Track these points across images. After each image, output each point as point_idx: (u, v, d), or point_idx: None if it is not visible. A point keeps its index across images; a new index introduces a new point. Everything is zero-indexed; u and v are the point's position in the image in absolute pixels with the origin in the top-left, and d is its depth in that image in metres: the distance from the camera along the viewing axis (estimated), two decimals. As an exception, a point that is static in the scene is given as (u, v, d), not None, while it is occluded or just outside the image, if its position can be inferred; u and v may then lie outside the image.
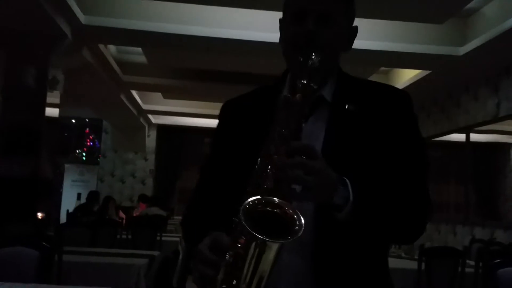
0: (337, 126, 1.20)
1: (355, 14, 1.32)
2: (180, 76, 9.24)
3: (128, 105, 10.64)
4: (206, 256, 1.02)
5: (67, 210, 8.76)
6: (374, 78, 8.99)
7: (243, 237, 0.97)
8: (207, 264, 1.01)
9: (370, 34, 6.49)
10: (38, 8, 5.45)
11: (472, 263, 4.18)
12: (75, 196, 10.10)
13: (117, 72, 8.66)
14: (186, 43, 6.61)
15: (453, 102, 8.31)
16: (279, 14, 1.35)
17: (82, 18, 6.15)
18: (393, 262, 4.50)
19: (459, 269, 4.03)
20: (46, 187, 6.72)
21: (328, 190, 1.06)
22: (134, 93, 10.49)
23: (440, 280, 4.01)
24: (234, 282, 0.96)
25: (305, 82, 1.12)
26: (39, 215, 6.37)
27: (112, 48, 8.37)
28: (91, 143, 14.85)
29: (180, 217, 5.76)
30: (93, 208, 8.39)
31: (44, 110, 6.48)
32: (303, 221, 0.95)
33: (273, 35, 6.31)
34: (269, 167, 1.03)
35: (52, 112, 7.03)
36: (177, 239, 6.26)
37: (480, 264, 3.92)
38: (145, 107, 11.59)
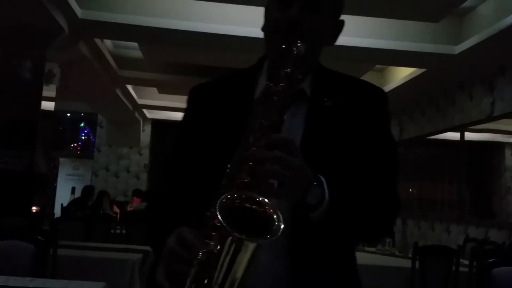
0: (316, 121, 1.17)
1: (343, 6, 1.27)
2: (176, 71, 9.23)
3: (123, 99, 10.62)
4: (177, 253, 0.96)
5: (62, 204, 8.74)
6: (369, 76, 9.02)
7: (217, 233, 0.91)
8: (178, 261, 0.96)
9: (365, 32, 6.50)
10: (35, 1, 5.43)
11: (466, 262, 4.20)
12: (70, 190, 10.06)
13: (112, 66, 8.64)
14: (182, 38, 6.60)
15: (448, 101, 8.34)
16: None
17: (79, 12, 6.13)
18: (387, 260, 4.53)
19: (453, 268, 4.05)
20: (41, 181, 6.70)
21: (302, 188, 1.03)
22: (129, 87, 10.47)
23: (434, 278, 4.03)
24: (206, 281, 0.90)
25: (289, 71, 1.07)
26: (34, 209, 6.36)
27: (108, 42, 8.35)
28: (86, 137, 14.81)
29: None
30: (87, 203, 8.38)
31: (40, 104, 6.47)
32: (282, 220, 0.90)
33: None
34: (246, 159, 0.98)
35: (47, 105, 6.99)
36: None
37: (474, 263, 3.94)
38: (140, 101, 11.57)
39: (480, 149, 7.93)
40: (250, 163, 0.97)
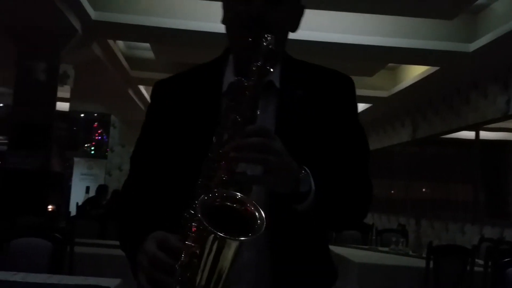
0: (288, 113, 1.15)
1: None
2: (188, 72, 9.26)
3: (136, 100, 10.69)
4: (159, 258, 0.92)
5: (77, 203, 8.84)
6: (381, 74, 8.99)
7: (198, 234, 0.88)
8: (161, 268, 0.92)
9: (378, 30, 6.47)
10: (49, 3, 5.50)
11: (481, 262, 4.17)
12: (84, 189, 10.18)
13: (125, 67, 8.70)
14: (194, 39, 6.63)
15: (462, 99, 8.28)
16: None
17: (93, 13, 6.19)
18: (400, 260, 4.52)
19: (468, 267, 4.02)
20: (56, 180, 6.77)
21: (291, 174, 1.01)
22: (141, 88, 10.54)
23: (448, 278, 4.00)
24: (190, 282, 0.88)
25: (260, 64, 1.03)
26: (50, 207, 6.43)
27: (120, 43, 8.41)
28: (99, 138, 14.93)
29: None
30: (102, 202, 8.46)
31: (54, 105, 6.55)
32: (264, 217, 0.88)
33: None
34: (223, 156, 0.94)
35: (62, 106, 7.07)
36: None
37: (489, 263, 3.90)
38: (153, 102, 11.63)
39: (495, 148, 7.85)
40: (229, 156, 0.93)
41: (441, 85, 8.22)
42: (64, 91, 7.26)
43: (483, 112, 7.62)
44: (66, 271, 3.11)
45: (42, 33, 6.23)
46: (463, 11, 6.05)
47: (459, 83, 8.06)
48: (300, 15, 1.25)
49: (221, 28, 1.28)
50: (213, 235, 0.84)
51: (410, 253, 4.93)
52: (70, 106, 7.59)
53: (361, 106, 11.12)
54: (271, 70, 1.07)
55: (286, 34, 1.22)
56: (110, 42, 7.58)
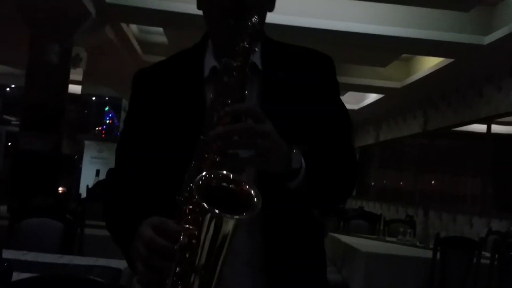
0: (272, 94, 1.15)
1: None
2: (201, 57, 9.25)
3: (148, 84, 10.71)
4: (157, 243, 0.91)
5: (87, 186, 8.91)
6: (394, 65, 8.93)
7: (194, 215, 0.88)
8: (159, 252, 0.91)
9: (392, 20, 6.43)
10: (64, -15, 5.51)
11: (488, 254, 4.17)
12: (94, 172, 10.24)
13: (138, 51, 8.71)
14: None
15: (475, 92, 8.21)
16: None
17: (106, -4, 6.20)
18: (407, 251, 4.52)
19: (474, 260, 4.02)
20: (67, 163, 6.83)
21: (282, 153, 1.01)
22: (154, 73, 10.55)
23: (454, 270, 4.01)
24: (189, 263, 0.88)
25: (246, 45, 1.03)
26: (60, 189, 6.49)
27: (133, 27, 8.42)
28: (110, 121, 15.00)
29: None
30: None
31: (67, 87, 6.59)
32: (260, 196, 0.88)
33: (295, 19, 6.25)
34: (214, 138, 0.94)
35: (73, 89, 7.12)
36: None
37: (496, 256, 3.90)
38: (164, 87, 11.65)
39: (507, 142, 7.80)
40: (220, 141, 0.94)
41: (455, 77, 8.16)
42: (76, 74, 7.30)
43: (496, 106, 7.56)
44: (76, 253, 3.16)
45: (55, 15, 6.25)
46: (479, 3, 5.98)
47: (472, 75, 7.99)
48: None
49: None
50: (210, 215, 0.84)
51: (417, 244, 4.93)
52: (82, 89, 7.65)
53: (373, 97, 11.06)
54: (256, 49, 1.07)
55: (265, 14, 1.22)
56: (123, 25, 7.59)
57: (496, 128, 7.75)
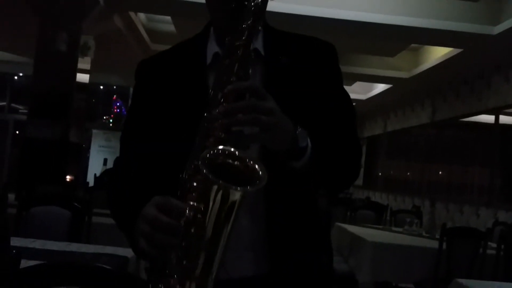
0: (275, 80, 1.15)
1: None
2: (208, 47, 9.24)
3: (156, 73, 10.71)
4: (161, 220, 0.90)
5: (95, 174, 8.96)
6: (403, 54, 8.87)
7: (199, 191, 0.88)
8: (163, 229, 0.90)
9: (401, 9, 6.38)
10: (71, -27, 5.50)
11: (494, 245, 4.16)
12: (102, 161, 10.30)
13: (146, 40, 8.71)
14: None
15: (483, 83, 8.16)
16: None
17: (114, -15, 6.19)
18: (413, 241, 4.52)
19: (480, 250, 4.02)
20: (74, 151, 6.86)
21: (287, 131, 1.01)
22: (162, 62, 10.55)
23: (460, 260, 4.01)
24: (195, 237, 0.88)
25: (250, 23, 1.02)
26: (68, 177, 6.53)
27: (142, 16, 8.41)
28: (118, 110, 15.03)
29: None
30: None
31: (75, 76, 6.59)
32: (265, 170, 0.88)
33: (302, 8, 6.19)
34: (219, 115, 0.94)
35: (81, 77, 7.13)
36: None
37: (502, 246, 3.90)
38: (172, 76, 11.65)
39: (515, 133, 7.76)
40: (224, 118, 0.94)
41: (463, 67, 8.10)
42: (84, 63, 7.31)
43: (504, 96, 7.51)
44: (84, 241, 3.18)
45: (64, 3, 6.25)
46: (489, -8, 5.93)
47: (481, 66, 7.93)
48: None
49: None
50: (217, 187, 0.84)
51: (424, 234, 4.93)
52: (90, 78, 7.65)
53: (382, 87, 11.01)
54: (259, 28, 1.05)
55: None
56: (132, 14, 7.59)
57: (504, 119, 7.71)
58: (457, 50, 7.44)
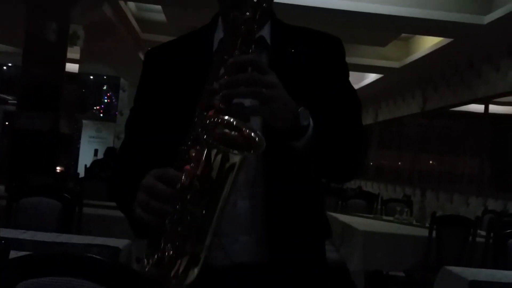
0: (280, 68, 1.11)
1: None
2: (199, 36, 9.19)
3: (146, 63, 10.65)
4: (157, 188, 0.91)
5: (85, 165, 8.93)
6: (393, 44, 8.88)
7: (197, 158, 0.87)
8: (158, 196, 0.91)
9: (392, -1, 6.37)
10: (60, -38, 5.43)
11: (483, 233, 4.21)
12: (92, 152, 10.27)
13: (136, 29, 8.65)
14: (206, 2, 6.55)
15: (473, 72, 8.19)
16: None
17: (103, -27, 6.13)
18: (404, 229, 4.56)
19: (470, 238, 4.06)
20: (65, 142, 6.82)
21: (288, 107, 1.01)
22: (152, 51, 10.49)
23: (450, 248, 4.05)
24: (192, 202, 0.87)
25: (255, 1, 1.01)
26: (58, 168, 6.50)
27: (132, 5, 8.34)
28: (108, 101, 14.95)
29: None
30: (110, 164, 8.53)
31: (64, 65, 6.54)
32: (263, 138, 0.87)
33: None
34: (220, 86, 0.95)
35: (71, 67, 7.06)
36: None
37: (491, 234, 3.95)
38: (162, 66, 11.59)
39: (504, 122, 7.81)
40: (224, 90, 0.94)
41: (454, 57, 8.13)
42: (73, 52, 7.24)
43: (494, 86, 7.55)
44: (74, 232, 3.17)
45: (52, -7, 6.18)
46: (479, -19, 5.93)
47: (471, 55, 7.96)
48: None
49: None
50: (216, 151, 0.84)
51: (414, 222, 4.97)
52: (80, 68, 7.59)
53: (373, 76, 11.02)
54: (264, 5, 1.04)
55: None
56: (121, 3, 7.52)
57: (493, 108, 7.75)
58: (448, 40, 7.45)
